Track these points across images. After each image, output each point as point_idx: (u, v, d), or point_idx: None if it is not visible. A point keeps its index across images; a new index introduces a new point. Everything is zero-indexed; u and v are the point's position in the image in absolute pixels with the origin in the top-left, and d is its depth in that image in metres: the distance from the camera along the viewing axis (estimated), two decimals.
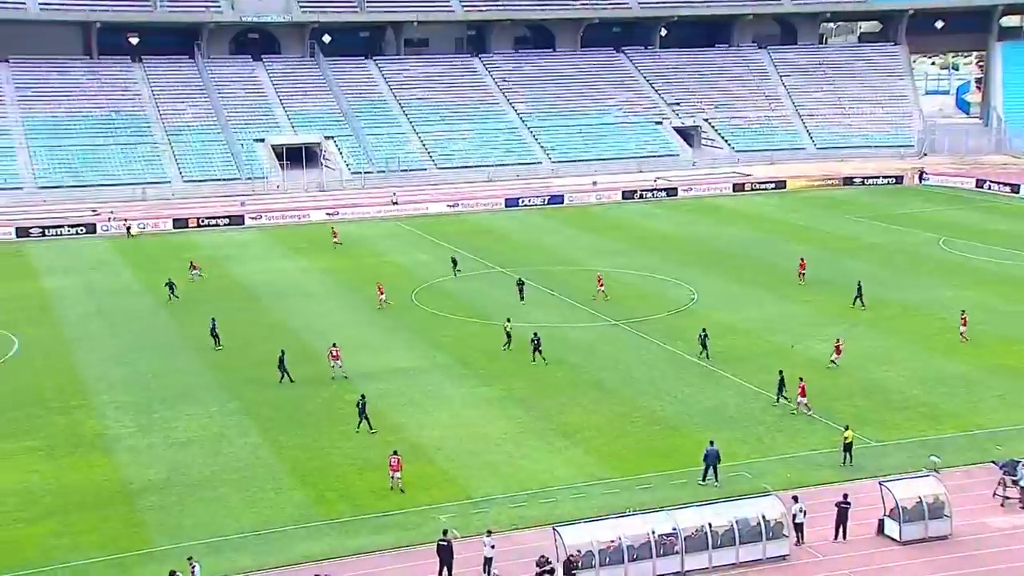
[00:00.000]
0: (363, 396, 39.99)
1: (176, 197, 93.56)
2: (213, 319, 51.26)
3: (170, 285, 59.88)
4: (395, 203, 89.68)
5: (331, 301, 59.08)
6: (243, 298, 60.63)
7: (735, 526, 28.76)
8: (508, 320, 49.86)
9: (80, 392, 44.41)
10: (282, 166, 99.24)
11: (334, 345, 45.59)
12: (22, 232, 78.55)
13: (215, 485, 34.83)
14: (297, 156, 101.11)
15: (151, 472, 36.08)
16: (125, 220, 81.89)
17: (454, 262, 64.27)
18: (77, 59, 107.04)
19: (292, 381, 44.11)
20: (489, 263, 67.86)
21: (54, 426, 40.42)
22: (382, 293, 56.92)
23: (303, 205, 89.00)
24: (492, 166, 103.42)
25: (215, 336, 50.16)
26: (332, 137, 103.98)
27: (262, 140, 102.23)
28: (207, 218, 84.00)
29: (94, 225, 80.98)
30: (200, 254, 72.45)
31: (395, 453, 34.21)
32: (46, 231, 79.14)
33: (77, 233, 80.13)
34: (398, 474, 33.59)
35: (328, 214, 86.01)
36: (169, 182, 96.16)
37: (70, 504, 33.51)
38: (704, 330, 47.52)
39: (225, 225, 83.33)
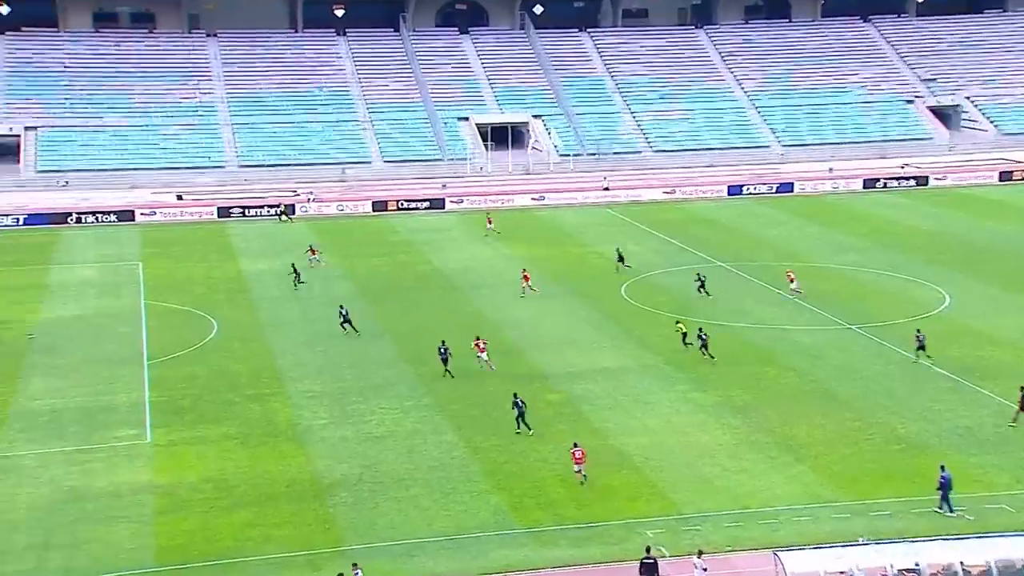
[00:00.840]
0: (516, 396, 39.90)
1: (375, 178, 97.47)
2: (343, 308, 53.10)
3: (295, 272, 62.89)
4: (607, 188, 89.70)
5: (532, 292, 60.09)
6: (440, 287, 62.27)
7: (993, 568, 26.86)
8: (678, 322, 49.39)
9: (274, 379, 46.91)
10: (486, 147, 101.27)
11: (478, 337, 47.23)
12: (223, 212, 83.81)
13: (408, 484, 35.84)
14: (502, 136, 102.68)
15: (344, 467, 37.56)
16: (298, 197, 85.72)
17: (620, 258, 63.33)
18: (282, 32, 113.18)
19: (450, 375, 45.59)
20: (707, 256, 66.76)
21: (249, 413, 42.89)
22: (527, 279, 58.03)
23: (507, 189, 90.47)
24: (714, 150, 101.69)
25: (345, 325, 52.18)
26: (540, 116, 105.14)
27: (466, 119, 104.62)
28: (407, 201, 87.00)
29: (293, 207, 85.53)
30: (397, 239, 75.13)
31: (576, 445, 35.28)
32: (246, 211, 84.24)
33: (275, 213, 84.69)
34: (582, 467, 34.33)
35: (534, 199, 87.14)
36: (369, 162, 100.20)
37: (263, 495, 35.37)
38: (919, 331, 45.45)
39: (425, 209, 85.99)
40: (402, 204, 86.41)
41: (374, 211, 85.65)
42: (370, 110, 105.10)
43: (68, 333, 54.00)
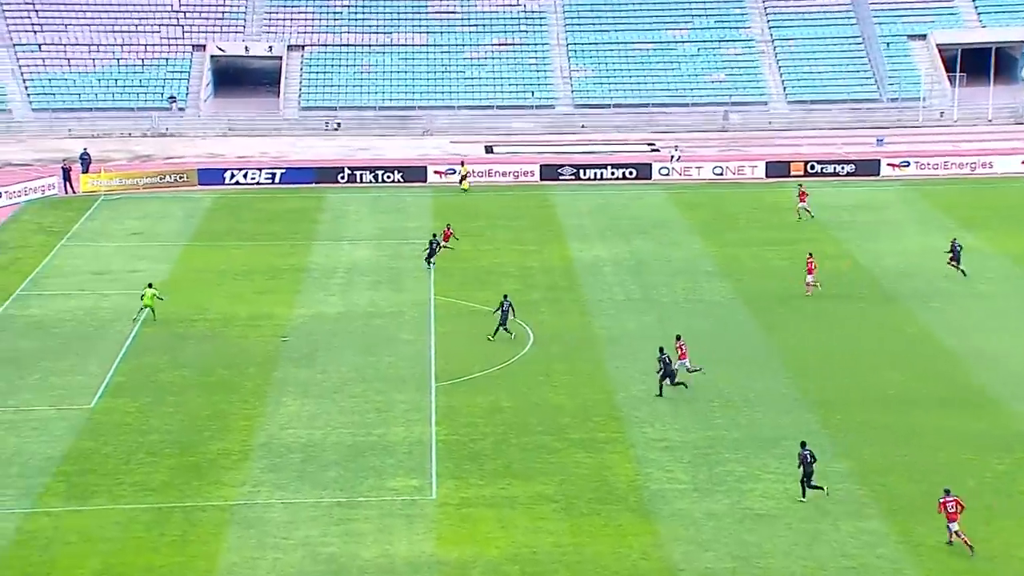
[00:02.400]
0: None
1: (773, 127, 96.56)
2: (505, 301, 55.51)
3: (431, 248, 66.32)
4: None
5: (1016, 310, 57.78)
6: (867, 294, 61.50)
7: None
8: None
9: (612, 419, 47.39)
10: (951, 80, 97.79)
11: (679, 337, 50.78)
12: (548, 172, 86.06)
13: None
14: (979, 64, 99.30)
15: (709, 556, 37.37)
16: (657, 154, 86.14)
17: (955, 252, 62.78)
18: None
19: (659, 395, 48.46)
20: None
21: (576, 467, 43.46)
22: (811, 272, 59.87)
23: (984, 146, 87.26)
24: None
25: (502, 327, 55.20)
26: None
27: (922, 37, 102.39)
28: (819, 162, 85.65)
29: (648, 166, 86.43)
30: (801, 220, 74.15)
31: (948, 492, 37.35)
32: (581, 171, 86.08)
33: (623, 176, 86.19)
34: (954, 525, 35.78)
35: None
36: (765, 103, 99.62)
37: None
38: None
39: (847, 175, 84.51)
40: (812, 166, 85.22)
41: (768, 176, 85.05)
42: (771, 24, 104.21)
43: (331, 338, 56.97)
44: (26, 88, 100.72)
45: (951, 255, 62.63)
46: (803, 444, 41.07)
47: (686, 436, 45.69)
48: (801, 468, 40.58)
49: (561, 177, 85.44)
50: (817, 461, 40.65)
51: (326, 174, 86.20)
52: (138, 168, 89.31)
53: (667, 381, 49.07)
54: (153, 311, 58.04)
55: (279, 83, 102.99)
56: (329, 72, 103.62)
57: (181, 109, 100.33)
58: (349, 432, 46.72)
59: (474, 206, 80.00)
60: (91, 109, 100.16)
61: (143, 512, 40.53)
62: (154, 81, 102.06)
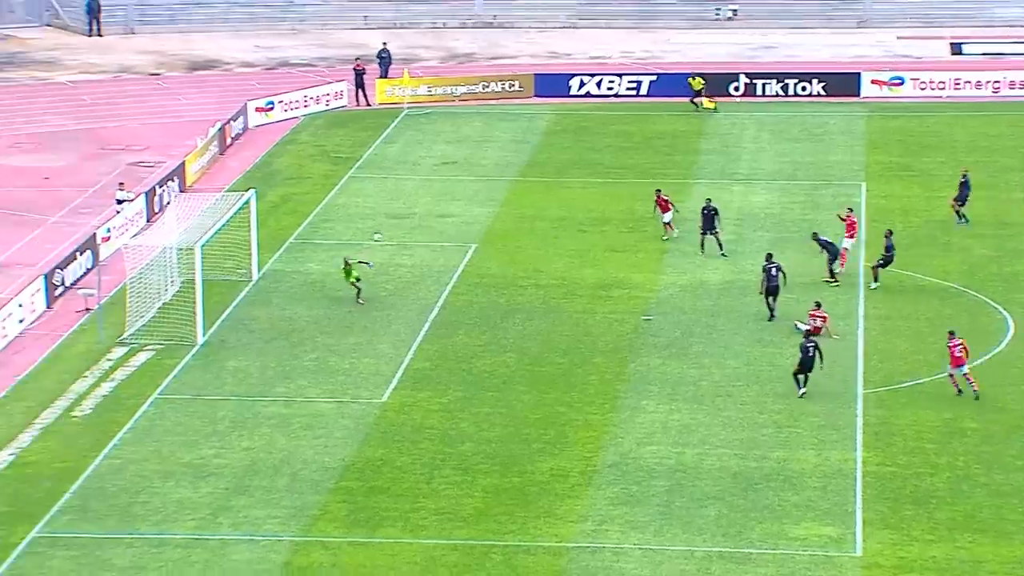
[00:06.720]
0: None
1: None
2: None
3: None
4: None
5: None
6: None
7: None
8: None
9: None
10: None
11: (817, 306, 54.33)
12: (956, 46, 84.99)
13: None
14: None
15: None
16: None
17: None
18: None
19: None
20: None
21: None
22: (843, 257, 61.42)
23: None
24: None
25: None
26: None
27: None
28: None
29: None
30: None
31: (952, 335, 45.78)
32: None
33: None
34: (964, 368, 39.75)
35: None
36: None
37: None
38: None
39: None
40: None
41: None
42: None
43: (712, 318, 57.47)
44: None
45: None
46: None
47: None
48: None
49: (966, 51, 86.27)
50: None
51: (713, 83, 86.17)
52: (454, 72, 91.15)
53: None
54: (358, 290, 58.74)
55: None
56: None
57: None
58: (735, 454, 46.69)
59: (926, 134, 78.94)
60: None
61: (448, 551, 41.32)
62: None
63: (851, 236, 61.06)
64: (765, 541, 41.65)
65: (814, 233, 59.86)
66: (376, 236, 61.46)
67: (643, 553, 41.09)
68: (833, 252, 59.20)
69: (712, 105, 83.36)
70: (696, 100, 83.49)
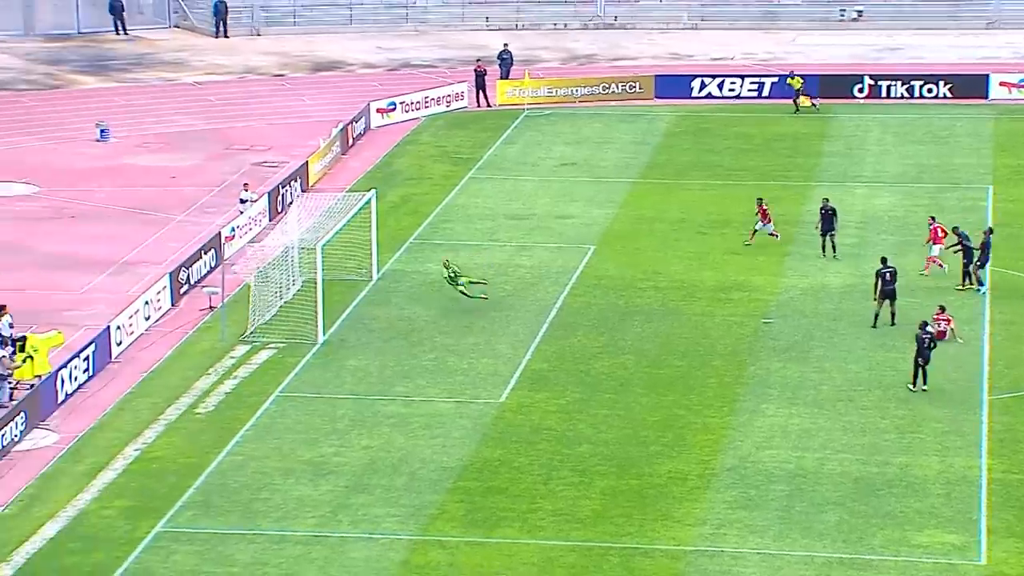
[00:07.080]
0: None
1: None
2: None
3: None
4: None
5: None
6: None
7: None
8: None
9: None
10: None
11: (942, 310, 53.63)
12: None
13: None
14: None
15: None
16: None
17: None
18: None
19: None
20: None
21: None
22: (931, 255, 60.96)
23: None
24: None
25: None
26: None
27: None
28: None
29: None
30: None
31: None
32: None
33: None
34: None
35: None
36: None
37: None
38: None
39: None
40: None
41: None
42: None
43: (834, 321, 57.17)
44: None
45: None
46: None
47: None
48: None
49: None
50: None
51: (837, 84, 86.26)
52: (574, 73, 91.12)
53: None
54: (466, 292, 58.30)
55: None
56: None
57: None
58: (857, 459, 46.45)
59: None
60: None
61: (566, 552, 41.34)
62: None
63: (936, 242, 60.50)
64: (887, 548, 41.37)
65: (955, 228, 59.30)
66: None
67: (762, 558, 40.96)
68: (970, 256, 58.49)
69: (810, 103, 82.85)
70: (797, 100, 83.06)
